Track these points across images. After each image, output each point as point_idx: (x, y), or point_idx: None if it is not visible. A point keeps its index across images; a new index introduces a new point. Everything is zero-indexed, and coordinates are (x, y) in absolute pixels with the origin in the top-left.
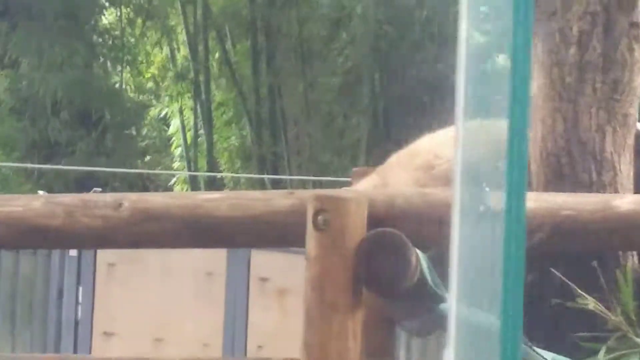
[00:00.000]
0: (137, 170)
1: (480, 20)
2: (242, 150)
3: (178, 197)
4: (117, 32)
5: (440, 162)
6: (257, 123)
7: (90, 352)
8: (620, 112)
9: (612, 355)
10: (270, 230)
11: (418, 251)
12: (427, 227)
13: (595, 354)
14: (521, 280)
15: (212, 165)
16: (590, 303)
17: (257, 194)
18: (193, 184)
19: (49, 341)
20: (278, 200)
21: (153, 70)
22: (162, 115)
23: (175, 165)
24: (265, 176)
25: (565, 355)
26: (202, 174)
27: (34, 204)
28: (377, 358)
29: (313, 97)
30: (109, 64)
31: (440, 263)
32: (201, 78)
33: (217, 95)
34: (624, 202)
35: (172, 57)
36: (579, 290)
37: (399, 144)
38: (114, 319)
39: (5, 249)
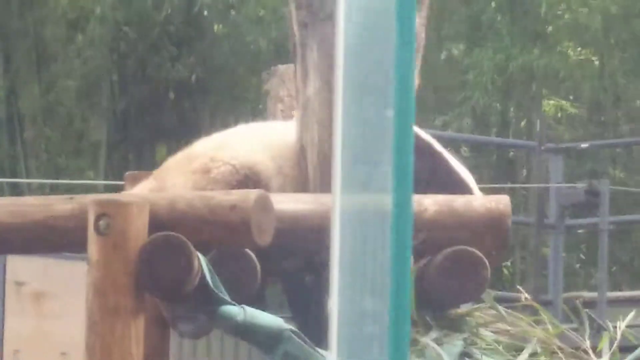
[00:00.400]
0: None
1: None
2: None
3: None
4: None
5: (217, 165)
6: None
7: None
8: None
9: None
10: (51, 235)
11: (199, 254)
12: (208, 230)
13: None
14: (408, 276)
15: None
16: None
17: (36, 199)
18: None
19: None
20: (58, 205)
21: None
22: None
23: None
24: (2, 180)
25: None
26: None
27: None
28: None
29: (51, 99)
30: None
31: (219, 265)
32: None
33: None
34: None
35: None
36: None
37: (140, 144)
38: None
39: None
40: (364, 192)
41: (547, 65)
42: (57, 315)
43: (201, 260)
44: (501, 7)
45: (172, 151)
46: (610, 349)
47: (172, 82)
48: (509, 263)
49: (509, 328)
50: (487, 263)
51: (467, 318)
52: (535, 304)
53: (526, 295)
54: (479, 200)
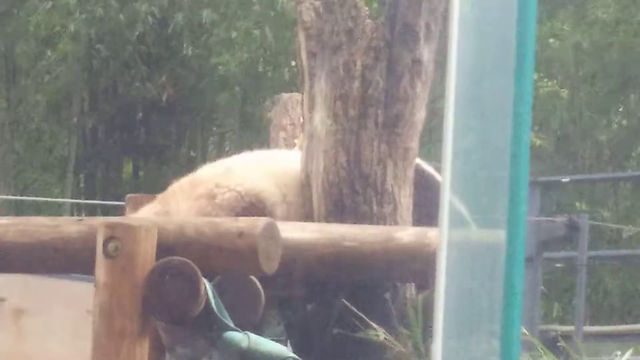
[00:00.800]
0: None
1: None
2: None
3: None
4: None
5: (222, 191)
6: None
7: None
8: (402, 145)
9: None
10: (59, 257)
11: (204, 279)
12: (215, 256)
13: None
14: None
15: None
16: (381, 334)
17: (44, 220)
18: None
19: None
20: (66, 226)
21: None
22: None
23: None
24: None
25: None
26: None
27: None
28: None
29: (20, 114)
30: None
31: (223, 291)
32: None
33: None
34: (405, 234)
35: None
36: (370, 322)
37: (108, 161)
38: None
39: None
40: (474, 226)
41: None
42: (38, 333)
43: (206, 286)
44: None
45: (138, 169)
46: None
47: (142, 101)
48: None
49: None
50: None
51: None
52: (533, 339)
53: (524, 330)
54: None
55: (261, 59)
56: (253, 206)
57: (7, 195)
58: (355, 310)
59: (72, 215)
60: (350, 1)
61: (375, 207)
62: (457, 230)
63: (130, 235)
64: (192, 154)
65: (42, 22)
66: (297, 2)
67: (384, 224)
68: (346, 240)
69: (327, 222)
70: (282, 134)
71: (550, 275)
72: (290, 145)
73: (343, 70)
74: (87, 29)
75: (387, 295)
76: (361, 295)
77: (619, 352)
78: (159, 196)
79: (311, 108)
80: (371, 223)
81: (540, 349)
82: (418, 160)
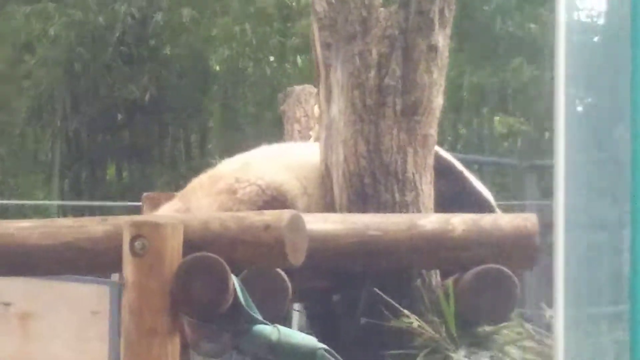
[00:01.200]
0: None
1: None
2: None
3: None
4: None
5: (243, 185)
6: None
7: None
8: (421, 133)
9: None
10: (84, 257)
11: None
12: (241, 250)
13: None
14: None
15: None
16: (414, 321)
17: (68, 221)
18: None
19: None
20: (91, 226)
21: None
22: None
23: None
24: None
25: None
26: None
27: None
28: None
29: (2, 119)
30: None
31: (251, 284)
32: None
33: None
34: (428, 221)
35: None
36: (403, 310)
37: (92, 163)
38: None
39: None
40: (594, 226)
41: (499, 82)
42: (43, 336)
43: (234, 280)
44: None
45: (121, 170)
46: None
47: (124, 102)
48: None
49: (535, 346)
50: (517, 281)
51: (495, 336)
52: None
53: (550, 313)
54: (506, 218)
55: (243, 56)
56: (274, 199)
57: None
58: (387, 298)
59: (59, 217)
60: None
61: (397, 195)
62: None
63: (157, 233)
64: (175, 152)
65: (20, 27)
66: None
67: (406, 212)
68: (370, 229)
69: (349, 212)
70: (296, 126)
71: None
72: (305, 137)
73: (359, 60)
74: (67, 32)
75: (419, 282)
76: (390, 283)
77: None
78: (179, 194)
79: (328, 99)
80: (393, 211)
81: None
82: (436, 147)
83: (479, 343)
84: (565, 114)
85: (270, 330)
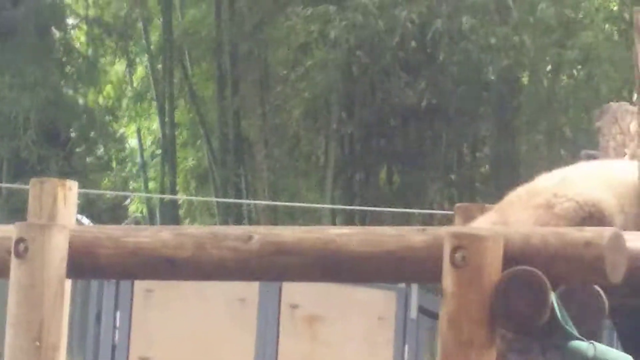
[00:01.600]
0: (117, 192)
1: None
2: (197, 171)
3: (309, 231)
4: (84, 51)
5: (561, 200)
6: (216, 145)
7: None
8: None
9: None
10: (405, 266)
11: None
12: (560, 265)
13: None
14: None
15: (172, 186)
16: None
17: (387, 229)
18: (149, 204)
19: None
20: (411, 236)
21: (110, 89)
22: (121, 134)
23: (131, 185)
24: (232, 200)
25: None
26: (196, 198)
27: (162, 235)
28: None
29: (277, 121)
30: (76, 83)
31: (567, 300)
32: (162, 99)
33: (175, 116)
34: None
35: (130, 77)
36: None
37: (366, 168)
38: (150, 344)
39: (134, 279)
40: None
41: None
42: (332, 340)
43: (552, 295)
44: None
45: (392, 174)
46: None
47: (400, 108)
48: None
49: None
50: None
51: None
52: None
53: None
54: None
55: (520, 65)
56: (592, 216)
57: (262, 200)
58: None
59: (333, 221)
60: None
61: None
62: None
63: (478, 245)
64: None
65: (299, 29)
66: (636, 11)
67: None
68: None
69: None
70: (611, 143)
71: None
72: (619, 154)
73: None
74: (347, 35)
75: None
76: None
77: None
78: (495, 206)
79: None
80: None
81: None
82: None
83: None
84: None
85: (586, 347)
